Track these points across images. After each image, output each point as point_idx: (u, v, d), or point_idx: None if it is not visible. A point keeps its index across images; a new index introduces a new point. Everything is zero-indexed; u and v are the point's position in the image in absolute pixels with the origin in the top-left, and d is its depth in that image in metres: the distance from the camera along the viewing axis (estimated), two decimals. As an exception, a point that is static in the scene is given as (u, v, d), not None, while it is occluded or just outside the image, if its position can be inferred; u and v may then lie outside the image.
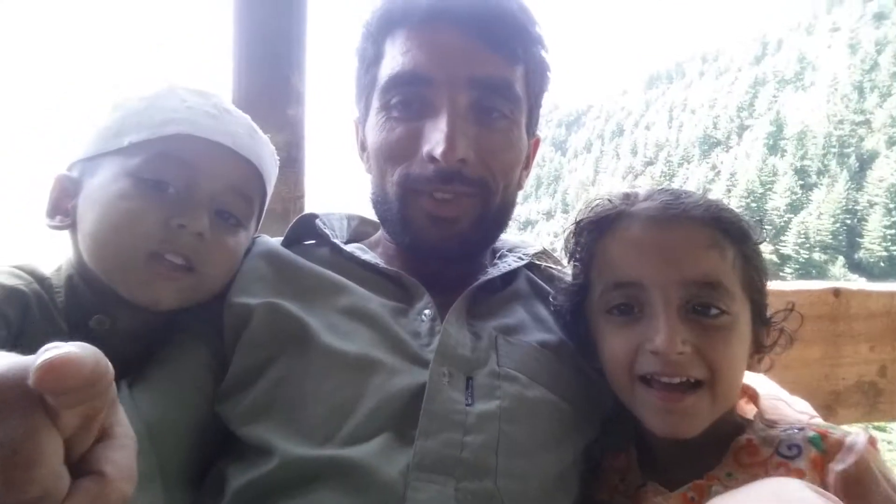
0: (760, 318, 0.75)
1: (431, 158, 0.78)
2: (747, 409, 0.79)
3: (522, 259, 0.95)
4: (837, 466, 0.64)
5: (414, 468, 0.63)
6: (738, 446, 0.71)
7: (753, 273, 0.73)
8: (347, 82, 0.95)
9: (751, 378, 0.80)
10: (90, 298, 0.75)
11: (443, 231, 0.83)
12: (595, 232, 0.78)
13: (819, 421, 0.73)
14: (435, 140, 0.78)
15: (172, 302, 0.74)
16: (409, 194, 0.83)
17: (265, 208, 0.88)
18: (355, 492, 0.61)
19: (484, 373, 0.74)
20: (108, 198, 0.72)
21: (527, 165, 0.95)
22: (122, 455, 0.34)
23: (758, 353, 0.76)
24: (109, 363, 0.32)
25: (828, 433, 0.67)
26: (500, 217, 0.88)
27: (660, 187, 0.79)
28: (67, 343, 0.30)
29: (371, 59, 0.87)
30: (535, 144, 0.97)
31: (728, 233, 0.72)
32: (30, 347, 0.68)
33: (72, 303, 0.74)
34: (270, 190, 0.87)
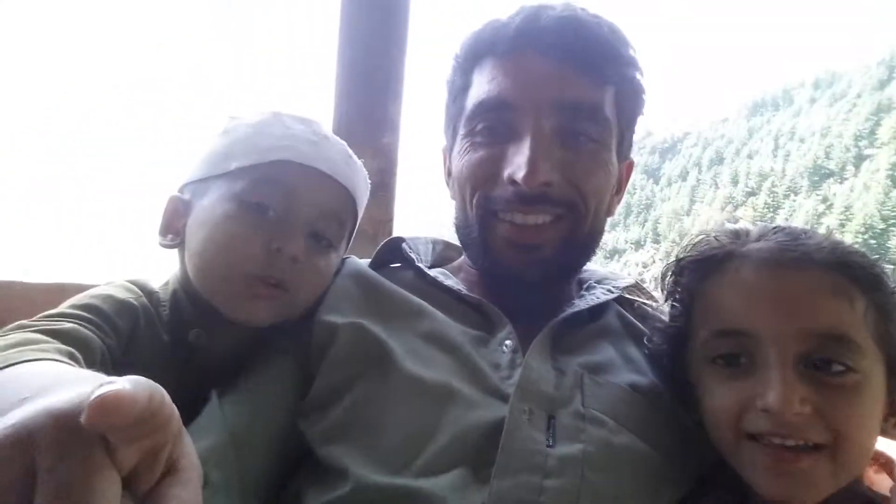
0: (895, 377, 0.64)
1: (512, 182, 0.78)
2: (877, 480, 0.69)
3: (612, 292, 0.91)
4: None
5: None
6: None
7: (889, 325, 0.64)
8: (439, 112, 0.97)
9: (886, 445, 0.70)
10: (191, 313, 0.81)
11: (523, 257, 0.82)
12: (699, 272, 0.72)
13: None
14: (517, 164, 0.77)
15: (267, 318, 0.78)
16: (489, 217, 0.83)
17: (356, 229, 0.92)
18: None
19: (567, 413, 0.70)
20: (215, 219, 0.77)
21: (618, 191, 0.92)
22: (187, 491, 0.34)
23: (894, 415, 0.66)
24: (167, 396, 0.32)
25: None
26: (587, 243, 0.86)
27: (774, 225, 0.72)
28: (122, 378, 0.30)
29: (459, 89, 0.89)
30: (628, 169, 0.94)
31: (858, 279, 0.63)
32: (136, 357, 0.72)
33: (175, 317, 0.80)
34: (361, 212, 0.91)
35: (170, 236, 0.82)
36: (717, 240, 0.72)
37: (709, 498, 0.72)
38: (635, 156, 0.97)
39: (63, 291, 1.11)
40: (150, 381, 0.31)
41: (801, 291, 0.63)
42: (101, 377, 0.34)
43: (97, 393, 0.28)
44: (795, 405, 0.59)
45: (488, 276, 0.89)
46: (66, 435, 0.29)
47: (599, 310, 0.89)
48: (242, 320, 0.77)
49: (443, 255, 1.03)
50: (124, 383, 0.29)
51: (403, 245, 0.95)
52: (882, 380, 0.63)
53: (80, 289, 1.10)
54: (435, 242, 1.04)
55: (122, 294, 0.76)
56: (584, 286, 0.95)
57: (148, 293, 0.80)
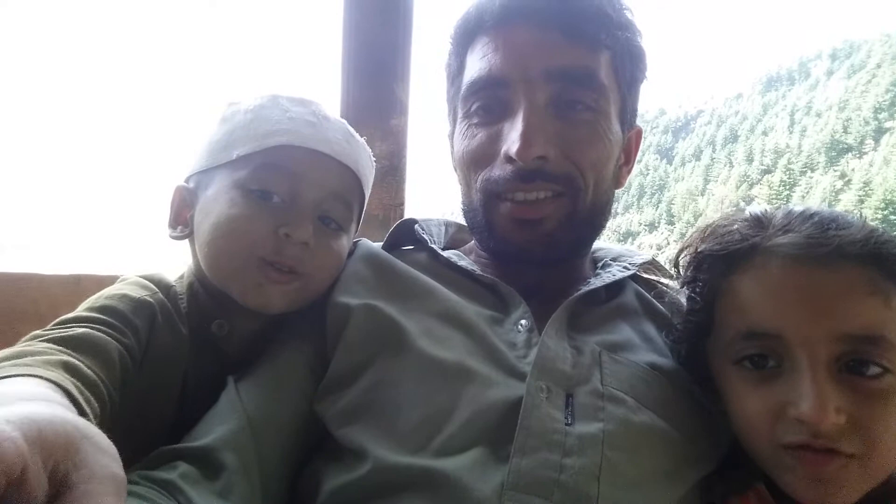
0: None
1: (509, 159, 0.77)
2: None
3: (628, 269, 0.89)
4: None
5: (509, 488, 0.59)
6: None
7: None
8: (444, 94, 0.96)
9: None
10: (209, 304, 0.81)
11: (527, 234, 0.80)
12: (722, 267, 0.68)
13: None
14: (512, 139, 0.76)
15: (282, 304, 0.77)
16: (491, 199, 0.82)
17: (364, 211, 0.91)
18: None
19: (586, 391, 0.69)
20: (220, 208, 0.76)
21: (627, 161, 0.90)
22: (85, 502, 0.32)
23: None
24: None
25: None
26: (592, 216, 0.84)
27: (801, 211, 0.67)
28: None
29: (455, 72, 0.88)
30: (637, 137, 0.91)
31: (893, 273, 0.60)
32: (157, 353, 0.72)
33: (193, 309, 0.80)
34: (368, 192, 0.89)
35: (179, 227, 0.82)
36: (739, 232, 0.68)
37: (731, 482, 0.70)
38: (648, 135, 0.95)
39: (79, 283, 1.13)
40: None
41: (834, 291, 0.59)
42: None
43: None
44: (831, 415, 0.56)
45: (498, 258, 0.88)
46: None
47: (617, 288, 0.87)
48: (256, 307, 0.77)
49: (455, 237, 1.03)
50: None
51: (416, 226, 0.94)
52: None
53: (95, 280, 1.11)
54: (447, 224, 1.03)
55: (137, 292, 0.75)
56: (600, 264, 0.93)
57: (164, 288, 0.80)
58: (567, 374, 0.70)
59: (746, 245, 0.66)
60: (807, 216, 0.65)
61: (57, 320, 0.67)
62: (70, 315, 0.68)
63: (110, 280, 0.81)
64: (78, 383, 0.55)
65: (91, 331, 0.65)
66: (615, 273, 0.87)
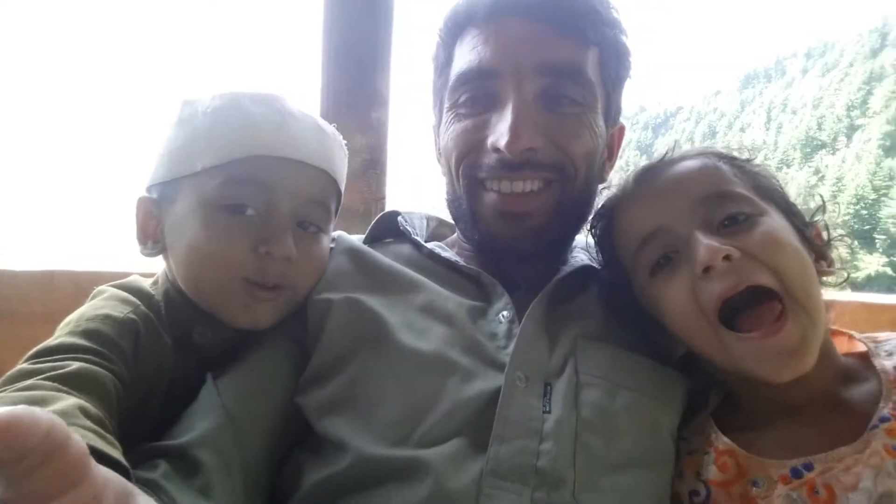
0: (797, 221, 0.74)
1: (496, 150, 0.77)
2: (839, 343, 0.75)
3: (590, 251, 0.91)
4: None
5: (488, 475, 0.61)
6: (889, 378, 0.65)
7: (761, 180, 0.74)
8: (429, 86, 0.96)
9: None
10: (188, 310, 0.78)
11: (513, 227, 0.81)
12: (605, 220, 0.81)
13: None
14: (500, 131, 0.77)
15: (272, 320, 0.77)
16: (475, 186, 0.82)
17: (341, 202, 0.89)
18: (428, 495, 0.60)
19: (562, 379, 0.71)
20: (194, 230, 0.73)
21: (610, 157, 0.91)
22: None
23: (818, 259, 0.74)
24: (69, 433, 0.28)
25: None
26: (579, 209, 0.85)
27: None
28: (15, 406, 0.26)
29: (443, 64, 0.88)
30: (620, 134, 0.93)
31: (714, 156, 0.75)
32: (143, 367, 0.70)
33: (172, 317, 0.78)
34: (343, 185, 0.87)
35: (149, 243, 0.79)
36: (611, 194, 0.82)
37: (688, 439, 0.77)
38: (629, 132, 0.97)
39: (52, 279, 1.10)
40: (48, 413, 0.27)
41: (676, 177, 0.73)
42: None
43: None
44: (720, 251, 0.65)
45: (482, 250, 0.88)
46: None
47: (593, 275, 0.89)
48: (248, 327, 0.76)
49: (437, 231, 1.03)
50: (14, 408, 0.26)
51: (399, 218, 0.94)
52: (785, 223, 0.71)
53: (69, 276, 1.09)
54: (429, 218, 1.04)
55: (119, 310, 0.72)
56: (571, 253, 0.95)
57: (145, 299, 0.77)
58: (544, 363, 0.72)
59: (617, 197, 0.80)
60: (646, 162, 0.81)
61: (41, 350, 0.64)
62: (54, 342, 0.65)
63: (85, 277, 0.79)
64: (99, 429, 0.53)
65: (86, 365, 0.62)
66: (582, 259, 0.89)
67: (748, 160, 0.76)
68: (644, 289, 0.76)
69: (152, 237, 0.79)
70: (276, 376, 0.75)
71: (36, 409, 0.26)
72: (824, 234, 0.76)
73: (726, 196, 0.69)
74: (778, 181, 0.76)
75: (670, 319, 0.73)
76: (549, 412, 0.68)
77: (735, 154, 0.77)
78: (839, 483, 0.59)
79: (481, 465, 0.62)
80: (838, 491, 0.59)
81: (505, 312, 0.78)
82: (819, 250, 0.74)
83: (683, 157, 0.76)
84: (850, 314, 1.23)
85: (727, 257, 0.64)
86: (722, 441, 0.70)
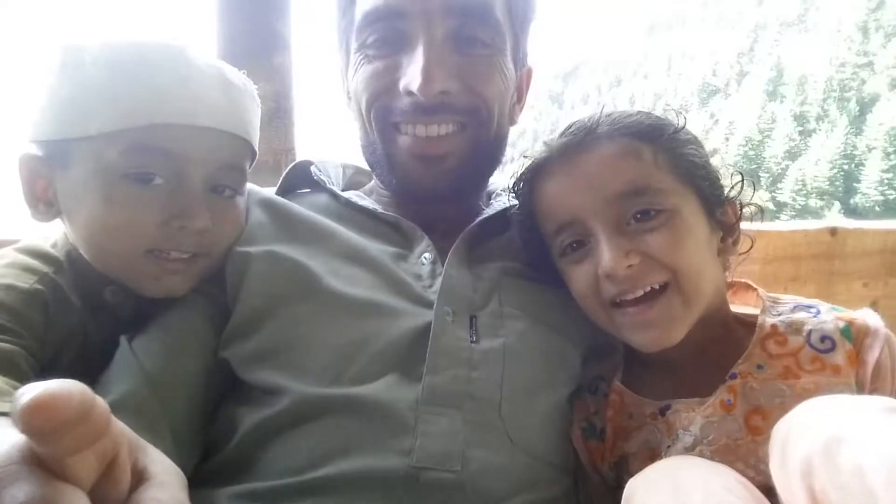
0: (711, 202, 0.74)
1: (409, 93, 0.77)
2: (748, 299, 0.81)
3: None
4: (870, 356, 0.66)
5: (423, 402, 0.65)
6: (764, 334, 0.72)
7: (684, 161, 0.73)
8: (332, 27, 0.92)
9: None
10: (96, 273, 0.72)
11: (429, 170, 0.82)
12: (527, 186, 0.80)
13: (828, 305, 0.75)
14: (411, 74, 0.76)
15: (187, 287, 0.73)
16: (389, 130, 0.81)
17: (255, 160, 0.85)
18: (368, 422, 0.63)
19: (487, 312, 0.75)
20: (94, 200, 0.67)
21: (519, 99, 0.93)
22: (164, 492, 0.33)
23: (725, 237, 0.77)
24: (97, 397, 0.29)
25: (853, 320, 0.69)
26: (493, 151, 0.87)
27: (569, 124, 0.79)
28: (42, 382, 0.27)
29: (347, 2, 0.84)
30: (528, 76, 0.94)
31: (638, 136, 0.72)
32: (53, 335, 0.66)
33: (79, 281, 0.72)
34: (257, 141, 0.81)
35: (41, 206, 0.70)
36: (534, 155, 0.79)
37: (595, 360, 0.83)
38: (539, 82, 0.97)
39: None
40: (73, 381, 0.28)
41: (595, 166, 0.72)
42: None
43: (24, 400, 0.26)
44: (623, 262, 0.68)
45: (399, 195, 0.88)
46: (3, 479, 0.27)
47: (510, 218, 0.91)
48: (160, 296, 0.72)
49: (353, 179, 1.01)
50: (49, 383, 0.27)
51: (312, 168, 0.92)
52: (695, 210, 0.72)
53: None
54: (345, 167, 1.01)
55: (24, 280, 0.66)
56: (493, 195, 0.97)
57: (52, 262, 0.70)
58: (470, 298, 0.76)
59: (537, 163, 0.78)
60: (570, 125, 0.77)
61: None
62: None
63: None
64: None
65: None
66: (504, 202, 0.91)
67: (677, 130, 0.74)
68: (556, 261, 0.79)
69: (43, 200, 0.70)
70: (194, 333, 0.73)
71: (65, 382, 0.27)
72: (738, 212, 0.78)
73: (640, 191, 0.69)
74: (703, 155, 0.75)
75: (572, 291, 0.78)
76: (477, 342, 0.71)
77: (663, 126, 0.74)
78: (679, 422, 0.71)
79: (416, 394, 0.65)
80: (677, 427, 0.70)
81: (426, 255, 0.79)
82: (727, 228, 0.77)
83: (609, 136, 0.72)
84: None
85: (628, 267, 0.68)
86: (615, 383, 0.79)
